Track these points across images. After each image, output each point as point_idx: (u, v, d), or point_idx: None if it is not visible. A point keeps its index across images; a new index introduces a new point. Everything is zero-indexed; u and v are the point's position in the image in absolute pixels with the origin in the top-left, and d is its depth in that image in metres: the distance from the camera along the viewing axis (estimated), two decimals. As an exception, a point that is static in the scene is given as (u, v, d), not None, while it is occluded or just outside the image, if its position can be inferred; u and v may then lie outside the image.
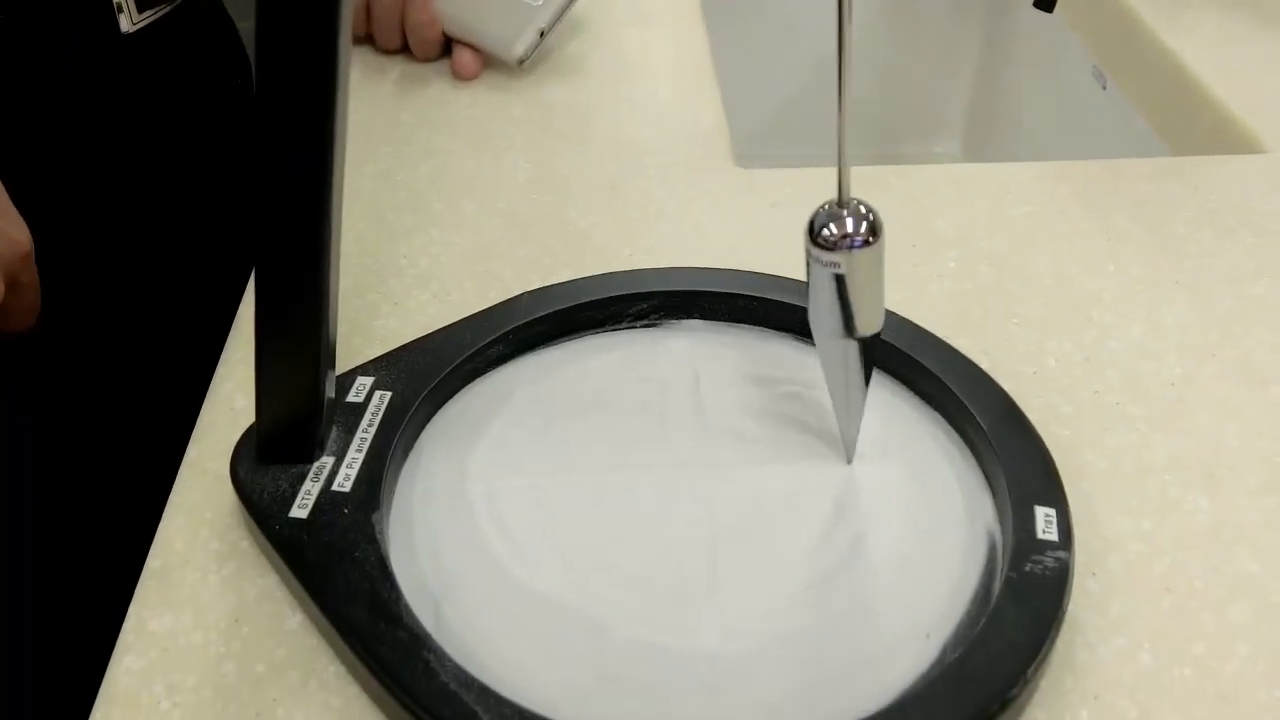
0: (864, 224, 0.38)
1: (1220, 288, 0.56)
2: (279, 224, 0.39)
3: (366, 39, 0.77)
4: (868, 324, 0.41)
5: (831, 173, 0.65)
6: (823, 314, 0.41)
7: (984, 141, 1.09)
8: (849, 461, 0.45)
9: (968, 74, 1.10)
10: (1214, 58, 0.75)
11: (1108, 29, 0.85)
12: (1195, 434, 0.48)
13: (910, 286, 0.56)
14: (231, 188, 0.75)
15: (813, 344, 0.50)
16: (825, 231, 0.38)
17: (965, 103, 1.11)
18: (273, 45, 0.36)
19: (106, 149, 0.66)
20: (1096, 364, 0.51)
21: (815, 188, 0.64)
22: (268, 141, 0.37)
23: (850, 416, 0.44)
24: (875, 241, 0.38)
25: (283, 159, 0.38)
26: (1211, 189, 0.63)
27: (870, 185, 0.64)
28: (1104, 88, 0.86)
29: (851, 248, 0.38)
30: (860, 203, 0.39)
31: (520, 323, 0.49)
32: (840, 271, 0.39)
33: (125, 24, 0.63)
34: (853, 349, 0.42)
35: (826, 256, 0.38)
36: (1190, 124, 0.73)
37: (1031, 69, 1.00)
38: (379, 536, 0.40)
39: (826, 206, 0.39)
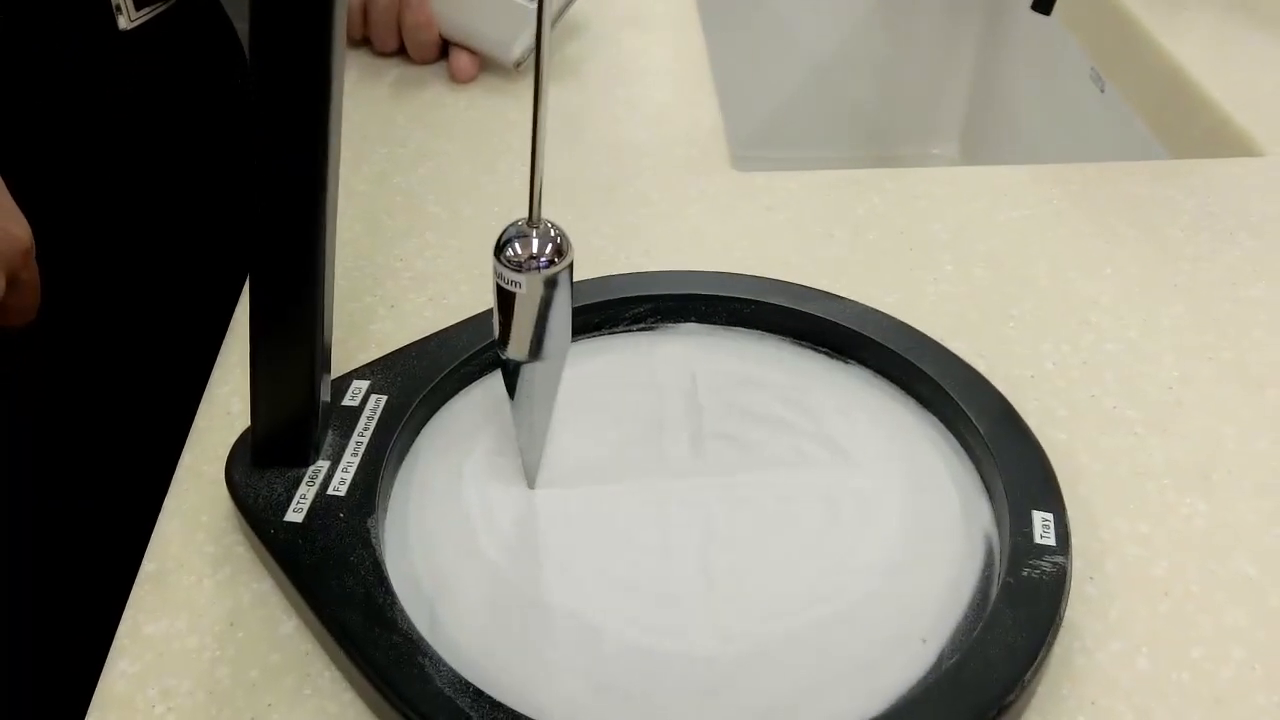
0: (550, 245, 0.38)
1: (1218, 290, 0.56)
2: (273, 226, 0.39)
3: (363, 41, 0.77)
4: (552, 347, 0.40)
5: (826, 174, 0.65)
6: (506, 334, 0.40)
7: (982, 143, 1.09)
8: (531, 487, 0.44)
9: (965, 76, 1.10)
10: (1211, 59, 0.75)
11: (1105, 31, 0.85)
12: (1192, 437, 0.48)
13: (906, 289, 0.56)
14: (229, 187, 0.75)
15: (810, 348, 0.50)
16: (510, 251, 0.38)
17: (963, 104, 1.11)
18: (267, 46, 0.36)
19: (105, 146, 0.66)
20: (1093, 367, 0.51)
21: (811, 191, 0.63)
22: (262, 143, 0.37)
23: (533, 441, 0.43)
24: (561, 264, 0.38)
25: (277, 161, 0.38)
26: (1209, 192, 0.63)
27: (865, 187, 0.64)
28: (1102, 90, 0.86)
29: (537, 269, 0.38)
30: (551, 224, 0.38)
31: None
32: (521, 292, 0.38)
33: (123, 22, 0.62)
34: (538, 371, 0.41)
35: (510, 276, 0.38)
36: (1188, 126, 0.73)
37: (1029, 71, 1.00)
38: (374, 541, 0.40)
39: (516, 225, 0.38)
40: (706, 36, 0.81)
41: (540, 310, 0.39)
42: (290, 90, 0.36)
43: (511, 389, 0.42)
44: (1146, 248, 0.59)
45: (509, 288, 0.38)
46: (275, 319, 0.41)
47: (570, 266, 0.39)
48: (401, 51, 0.76)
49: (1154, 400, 0.49)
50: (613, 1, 0.83)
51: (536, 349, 0.40)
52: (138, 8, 0.62)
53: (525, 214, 0.38)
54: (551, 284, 0.38)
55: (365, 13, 0.75)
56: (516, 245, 0.37)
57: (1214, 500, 0.45)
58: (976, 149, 1.10)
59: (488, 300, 0.52)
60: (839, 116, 1.11)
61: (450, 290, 0.56)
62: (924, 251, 0.58)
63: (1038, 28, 0.96)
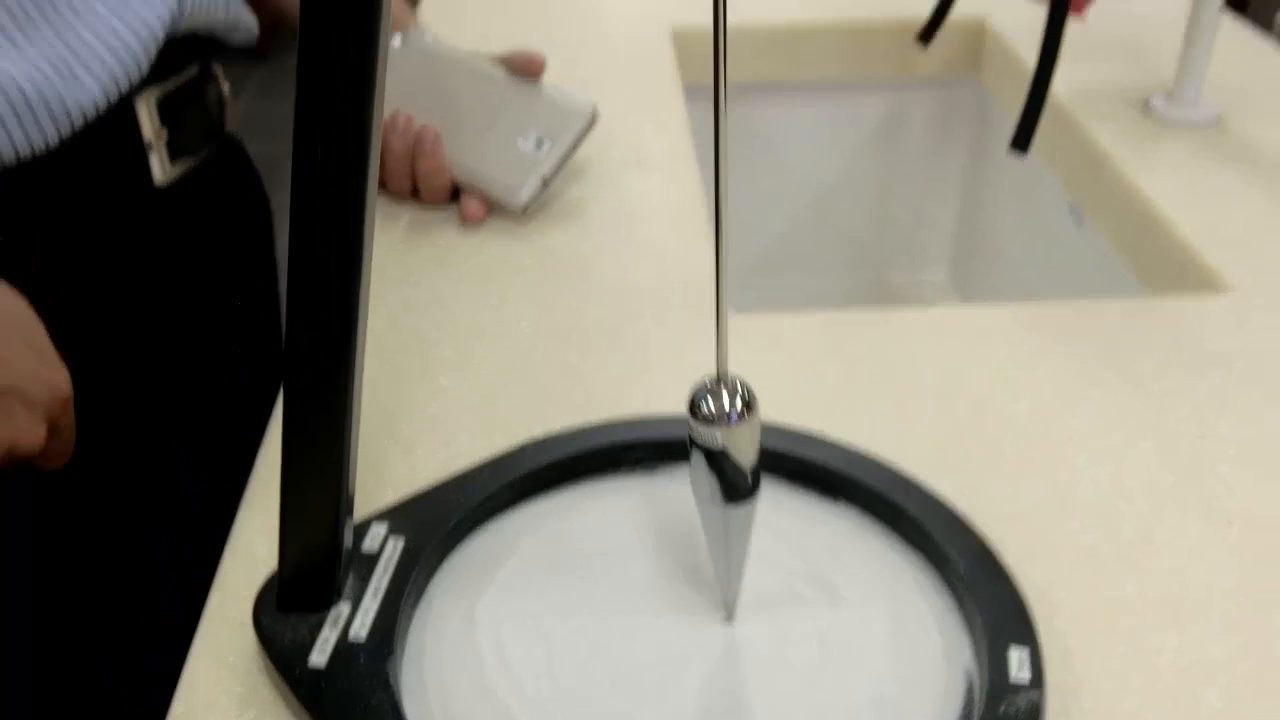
0: (739, 399, 0.41)
1: (1186, 426, 0.59)
2: (305, 378, 0.42)
3: (379, 185, 0.81)
4: (744, 493, 0.43)
5: (818, 316, 0.68)
6: (703, 482, 0.43)
7: (969, 270, 1.13)
8: (729, 620, 0.47)
9: (953, 207, 1.14)
10: (1182, 196, 0.79)
11: (1082, 168, 0.89)
12: (1163, 573, 0.51)
13: (894, 428, 0.59)
14: (254, 336, 0.79)
15: (806, 489, 0.53)
16: (704, 407, 0.41)
17: (951, 234, 1.15)
18: (305, 196, 0.39)
19: (138, 294, 0.70)
20: (1069, 503, 0.54)
21: (803, 331, 0.67)
22: (296, 300, 0.41)
23: (731, 580, 0.46)
24: (750, 416, 0.41)
25: (311, 310, 0.41)
26: (1178, 328, 0.67)
27: (857, 328, 0.67)
28: (1079, 224, 0.90)
29: (729, 423, 0.41)
30: (738, 379, 0.41)
31: (524, 472, 0.52)
32: (718, 445, 0.41)
33: (158, 173, 0.66)
34: (732, 515, 0.44)
35: (705, 430, 0.41)
36: (1159, 261, 0.77)
37: (1011, 203, 1.05)
38: (393, 684, 0.42)
39: (706, 382, 0.41)
40: (703, 174, 0.85)
41: (736, 460, 0.42)
42: (324, 252, 0.40)
43: (709, 532, 0.45)
44: (1120, 385, 0.62)
45: (705, 443, 0.41)
46: (303, 469, 0.44)
47: (758, 417, 0.41)
48: (415, 195, 0.80)
49: (1126, 536, 0.52)
50: (615, 144, 0.88)
51: (734, 495, 0.43)
52: (173, 161, 0.67)
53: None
54: (744, 435, 0.41)
55: (381, 158, 0.79)
56: (709, 402, 0.41)
57: (1184, 635, 0.48)
58: (965, 276, 1.14)
59: (497, 442, 0.56)
60: (834, 245, 1.15)
61: (461, 433, 0.59)
62: (912, 391, 0.62)
63: (1019, 163, 1.01)
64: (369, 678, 0.42)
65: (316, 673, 0.43)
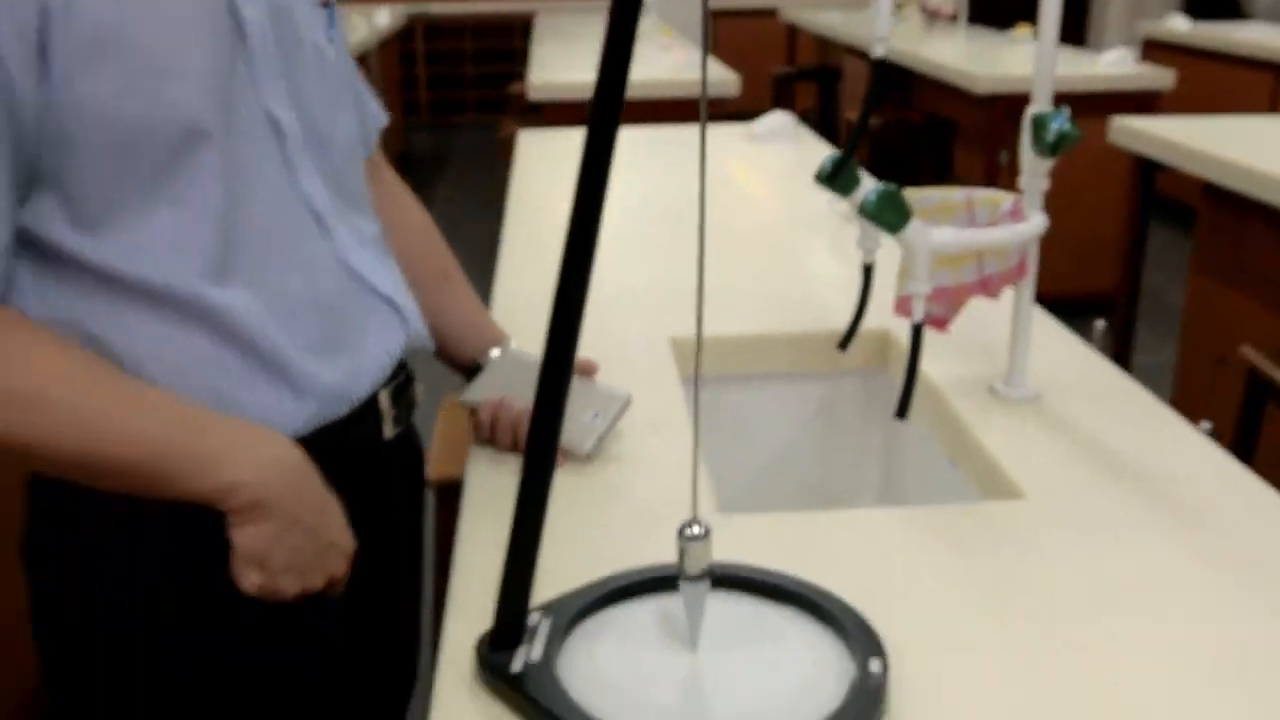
0: (702, 528, 0.84)
1: (1000, 583, 1.01)
2: (527, 520, 0.84)
3: (489, 441, 1.25)
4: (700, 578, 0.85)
5: (783, 516, 1.11)
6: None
7: (890, 501, 1.57)
8: (694, 649, 0.88)
9: (877, 460, 1.59)
10: (1009, 446, 1.23)
11: (950, 431, 1.34)
12: (962, 649, 0.91)
13: (826, 571, 1.00)
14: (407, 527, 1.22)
15: (773, 599, 0.95)
16: (685, 531, 0.84)
17: (877, 477, 1.60)
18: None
19: (368, 505, 1.12)
20: (921, 625, 0.95)
21: (772, 528, 1.09)
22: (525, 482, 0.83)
23: (693, 624, 0.87)
24: (707, 537, 0.84)
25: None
26: (998, 523, 1.09)
27: (803, 529, 1.10)
28: (955, 468, 1.34)
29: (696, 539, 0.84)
30: (705, 519, 0.84)
31: (605, 592, 0.93)
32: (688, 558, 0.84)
33: (388, 432, 1.11)
34: (690, 590, 0.86)
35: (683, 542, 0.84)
36: (991, 482, 1.21)
37: (914, 456, 1.49)
38: (555, 678, 0.82)
39: (687, 520, 0.84)
40: (691, 436, 1.29)
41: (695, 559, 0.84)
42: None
43: (686, 598, 0.86)
44: (958, 557, 1.04)
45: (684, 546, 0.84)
46: (515, 575, 0.85)
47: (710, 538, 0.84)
48: (515, 449, 1.23)
49: (949, 638, 0.93)
50: (639, 416, 1.32)
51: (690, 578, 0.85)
52: (395, 426, 1.12)
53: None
54: (702, 546, 0.83)
55: (493, 425, 1.23)
56: (688, 529, 0.83)
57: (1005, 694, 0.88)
58: (887, 504, 1.57)
59: (584, 578, 0.96)
60: (791, 490, 1.59)
61: (560, 575, 1.00)
62: (842, 566, 1.04)
63: (916, 425, 1.46)
64: (543, 677, 0.83)
65: (516, 675, 0.83)
